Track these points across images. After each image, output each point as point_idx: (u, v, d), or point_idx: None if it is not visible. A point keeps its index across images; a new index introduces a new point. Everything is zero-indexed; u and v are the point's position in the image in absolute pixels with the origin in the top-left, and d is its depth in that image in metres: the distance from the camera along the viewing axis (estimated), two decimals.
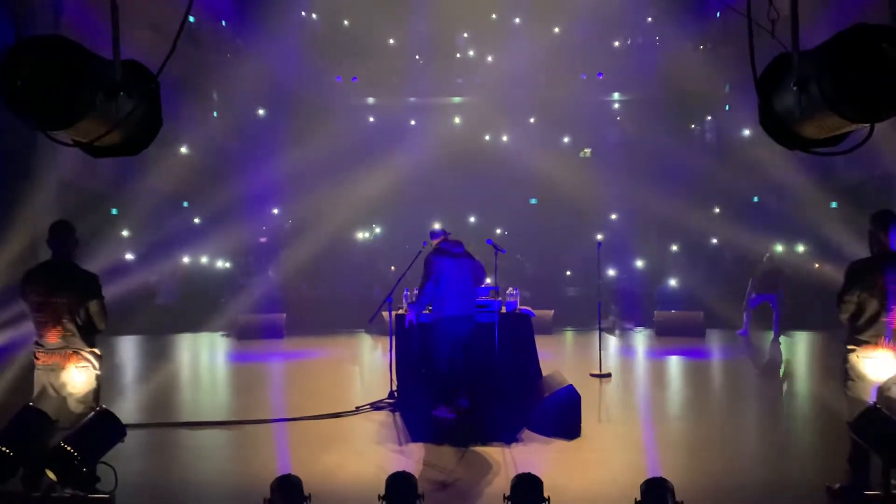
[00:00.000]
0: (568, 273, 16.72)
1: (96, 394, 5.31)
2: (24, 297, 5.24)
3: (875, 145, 2.54)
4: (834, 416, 6.08)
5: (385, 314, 9.25)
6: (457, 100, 18.29)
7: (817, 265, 14.34)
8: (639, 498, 4.06)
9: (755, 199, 16.01)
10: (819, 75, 2.33)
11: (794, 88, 2.46)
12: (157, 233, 15.07)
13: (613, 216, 17.08)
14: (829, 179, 13.92)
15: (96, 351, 5.28)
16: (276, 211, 17.15)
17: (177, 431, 7.43)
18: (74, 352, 5.17)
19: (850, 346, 5.15)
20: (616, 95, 18.05)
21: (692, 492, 4.75)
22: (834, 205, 14.34)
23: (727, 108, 17.22)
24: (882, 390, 5.07)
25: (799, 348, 12.89)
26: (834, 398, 5.87)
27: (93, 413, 5.08)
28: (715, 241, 16.23)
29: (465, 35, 18.05)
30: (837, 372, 5.32)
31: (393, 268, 15.39)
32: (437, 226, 7.82)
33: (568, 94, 16.80)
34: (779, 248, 14.38)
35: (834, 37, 2.32)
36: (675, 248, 16.59)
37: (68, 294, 5.14)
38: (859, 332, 5.09)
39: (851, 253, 9.01)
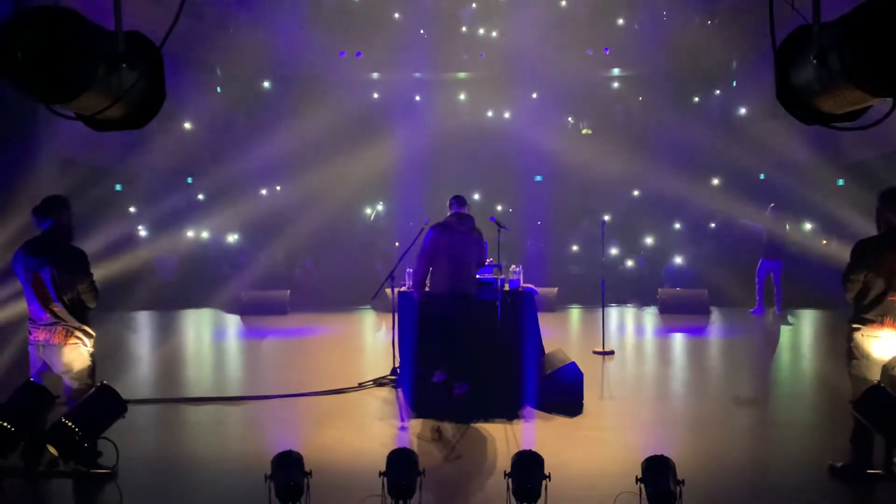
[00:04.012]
0: (575, 248, 16.68)
1: (91, 371, 5.32)
2: (15, 272, 5.23)
3: (884, 122, 2.47)
4: (837, 395, 6.08)
5: (388, 291, 9.26)
6: (462, 75, 18.11)
7: (824, 241, 14.27)
8: (640, 475, 4.07)
9: (762, 176, 15.90)
10: (840, 48, 2.27)
11: (814, 61, 2.40)
12: (161, 209, 15.04)
13: (620, 193, 16.98)
14: (836, 156, 13.79)
15: (87, 329, 5.27)
16: (280, 187, 17.08)
17: (178, 407, 7.45)
18: (65, 329, 5.15)
19: (854, 325, 5.13)
20: (622, 71, 17.84)
21: (693, 470, 4.76)
22: (841, 182, 14.22)
23: (734, 84, 17.05)
24: (886, 369, 5.06)
25: (803, 326, 12.86)
26: (837, 377, 5.85)
27: (94, 389, 5.11)
28: (720, 218, 16.12)
29: (472, 8, 17.83)
30: (841, 350, 5.31)
31: (397, 244, 15.36)
32: (456, 196, 7.48)
33: (574, 70, 16.64)
34: (786, 226, 14.32)
35: (856, 8, 2.26)
36: (677, 225, 16.51)
37: (53, 270, 5.11)
38: (865, 311, 5.07)
39: (858, 231, 8.95)
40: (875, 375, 5.01)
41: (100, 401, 5.03)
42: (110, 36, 2.49)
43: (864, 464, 5.04)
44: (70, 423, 4.72)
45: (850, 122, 2.55)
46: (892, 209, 5.08)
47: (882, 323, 4.99)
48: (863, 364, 5.07)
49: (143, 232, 15.50)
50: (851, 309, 5.20)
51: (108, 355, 9.63)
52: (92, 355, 5.33)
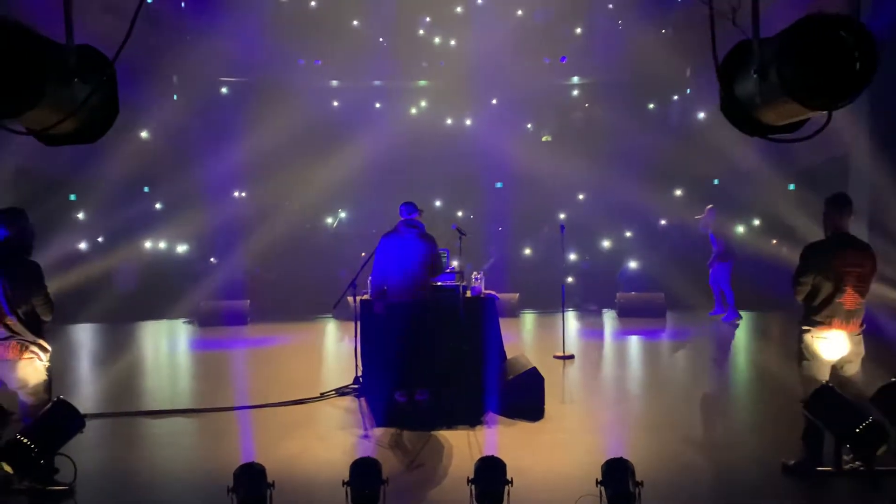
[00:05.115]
0: (529, 253, 16.81)
1: (47, 385, 5.23)
2: None
3: (831, 130, 2.58)
4: (789, 395, 6.23)
5: (350, 299, 9.25)
6: (422, 83, 18.18)
7: (774, 241, 14.61)
8: (600, 478, 4.14)
9: (715, 181, 16.22)
10: (778, 63, 2.35)
11: (755, 75, 2.49)
12: (117, 219, 14.79)
13: (578, 198, 17.17)
14: (788, 162, 14.15)
15: (43, 343, 5.17)
16: (242, 194, 16.92)
17: (138, 421, 7.33)
18: (19, 343, 5.06)
19: (804, 327, 5.28)
20: (580, 79, 18.10)
21: (652, 471, 4.86)
22: (792, 187, 14.58)
23: (688, 91, 17.38)
24: (835, 369, 5.22)
25: (754, 328, 13.13)
26: (789, 377, 6.02)
27: (50, 404, 5.01)
28: (675, 222, 16.38)
29: (429, 18, 17.90)
30: (792, 351, 5.46)
31: (363, 253, 15.31)
32: (405, 203, 7.49)
33: (532, 78, 16.83)
34: (739, 228, 14.64)
35: (793, 24, 2.35)
36: (628, 233, 16.72)
37: (6, 284, 5.01)
38: (814, 312, 5.23)
39: (808, 234, 9.20)
40: (824, 375, 5.16)
41: (56, 416, 4.94)
42: (61, 49, 2.46)
43: (814, 461, 5.19)
44: (25, 440, 4.63)
45: (790, 134, 2.65)
46: (837, 213, 5.26)
47: (830, 324, 5.16)
48: (813, 365, 5.23)
49: (99, 243, 15.22)
50: (801, 311, 5.36)
51: (65, 369, 9.46)
52: (48, 370, 5.23)
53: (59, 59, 2.42)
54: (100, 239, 15.13)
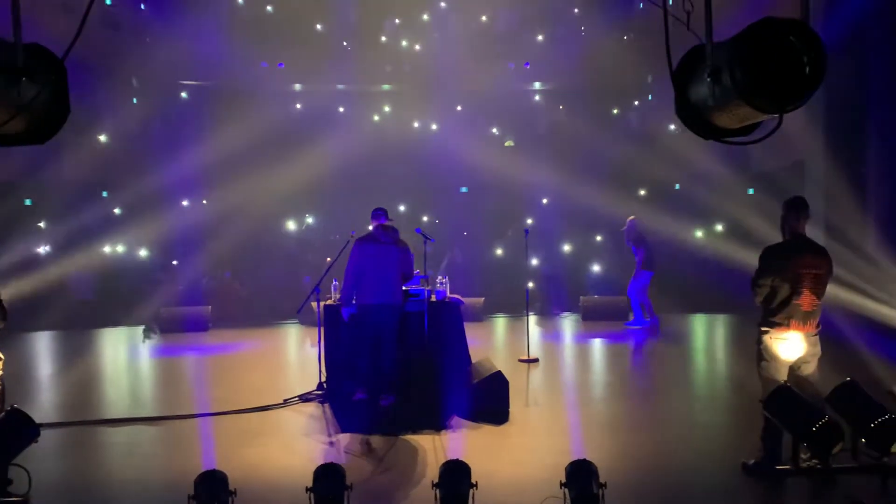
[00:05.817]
0: (494, 257, 16.87)
1: (0, 394, 5.10)
2: None
3: (788, 135, 2.64)
4: (748, 395, 6.35)
5: (314, 304, 9.19)
6: (386, 87, 18.16)
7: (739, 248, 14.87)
8: (564, 480, 4.16)
9: (677, 186, 16.46)
10: (730, 66, 2.40)
11: (708, 79, 2.52)
12: (74, 223, 14.48)
13: (542, 203, 17.28)
14: (747, 167, 14.42)
15: None
16: (203, 200, 16.69)
17: (96, 429, 7.17)
18: None
19: (763, 328, 5.37)
20: (543, 85, 18.24)
21: (615, 472, 4.90)
22: (751, 191, 14.86)
23: (650, 97, 17.62)
24: (793, 369, 5.31)
25: (714, 331, 13.34)
26: (748, 378, 6.12)
27: (3, 413, 4.89)
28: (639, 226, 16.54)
29: (395, 22, 17.89)
30: (751, 352, 5.56)
31: (329, 259, 15.21)
32: (379, 208, 7.64)
33: (495, 84, 16.92)
34: (698, 233, 14.85)
35: (744, 29, 2.40)
36: (598, 238, 16.88)
37: None
38: (772, 314, 5.31)
39: (766, 237, 9.38)
40: (783, 376, 5.26)
41: (10, 425, 4.82)
42: (8, 47, 2.40)
43: (773, 460, 5.27)
44: None
45: (743, 137, 2.69)
46: (795, 216, 5.37)
47: (788, 325, 5.25)
48: (771, 365, 5.32)
49: (55, 248, 14.89)
50: (760, 313, 5.45)
51: (20, 378, 9.22)
52: (1, 378, 5.10)
53: (5, 58, 2.35)
54: (47, 248, 14.76)
